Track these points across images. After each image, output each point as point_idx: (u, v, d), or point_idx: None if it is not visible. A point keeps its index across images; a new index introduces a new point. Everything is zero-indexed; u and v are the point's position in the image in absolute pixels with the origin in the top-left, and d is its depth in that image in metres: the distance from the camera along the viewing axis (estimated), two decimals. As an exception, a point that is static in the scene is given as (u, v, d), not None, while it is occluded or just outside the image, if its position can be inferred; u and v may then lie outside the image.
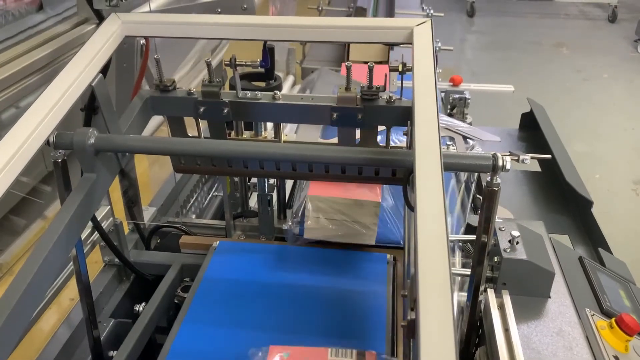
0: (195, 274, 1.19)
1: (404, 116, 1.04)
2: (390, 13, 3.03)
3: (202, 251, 1.26)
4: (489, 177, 0.82)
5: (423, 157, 0.73)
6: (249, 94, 1.09)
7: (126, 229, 1.38)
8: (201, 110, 1.08)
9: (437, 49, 2.40)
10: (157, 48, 1.58)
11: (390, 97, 1.03)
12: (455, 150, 1.45)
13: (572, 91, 4.51)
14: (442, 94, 2.08)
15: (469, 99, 1.96)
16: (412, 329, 0.78)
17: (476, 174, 1.62)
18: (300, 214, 1.23)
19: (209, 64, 1.08)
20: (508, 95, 2.04)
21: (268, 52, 1.24)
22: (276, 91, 1.08)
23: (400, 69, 1.05)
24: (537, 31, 5.94)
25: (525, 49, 5.45)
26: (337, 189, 1.21)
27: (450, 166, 0.84)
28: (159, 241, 1.48)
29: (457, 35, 5.86)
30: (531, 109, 1.96)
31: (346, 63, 1.04)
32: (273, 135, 1.24)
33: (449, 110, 1.99)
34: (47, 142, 0.88)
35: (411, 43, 1.01)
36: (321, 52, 2.54)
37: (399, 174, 1.07)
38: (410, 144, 1.02)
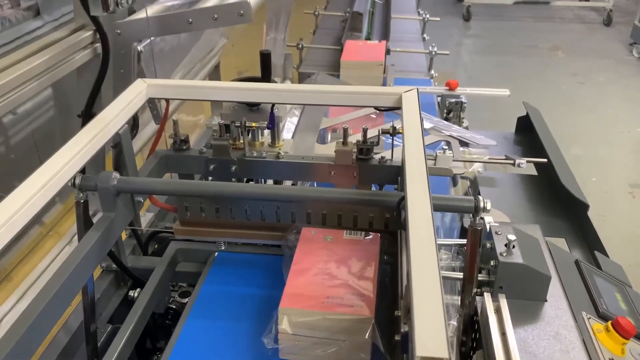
0: (192, 276, 1.21)
1: (394, 175, 1.18)
2: (386, 18, 3.04)
3: (198, 238, 1.25)
4: (472, 218, 0.89)
5: (414, 208, 0.80)
6: (255, 152, 1.23)
7: (123, 234, 1.38)
8: (211, 167, 1.22)
9: (433, 53, 2.42)
10: (154, 54, 1.58)
11: (382, 157, 1.18)
12: (452, 155, 1.46)
13: (568, 94, 4.53)
14: (439, 99, 2.08)
15: (465, 103, 1.97)
16: (405, 343, 0.79)
17: (472, 175, 1.63)
18: (273, 326, 0.98)
19: (221, 126, 1.21)
20: (504, 99, 2.05)
21: (264, 58, 1.26)
22: (280, 151, 1.23)
23: (391, 132, 1.19)
24: (533, 35, 5.97)
25: (521, 52, 5.48)
26: (319, 291, 0.97)
27: (438, 207, 0.93)
28: (156, 247, 1.47)
29: (454, 39, 5.88)
30: (527, 113, 1.97)
31: (344, 125, 1.19)
32: (270, 141, 1.27)
33: (445, 115, 2.00)
34: (73, 184, 0.96)
35: (400, 108, 1.12)
36: (318, 57, 2.55)
37: (391, 225, 1.14)
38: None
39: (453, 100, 1.97)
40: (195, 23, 1.44)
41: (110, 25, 1.47)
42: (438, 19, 3.05)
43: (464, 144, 1.69)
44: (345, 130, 1.18)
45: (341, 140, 1.19)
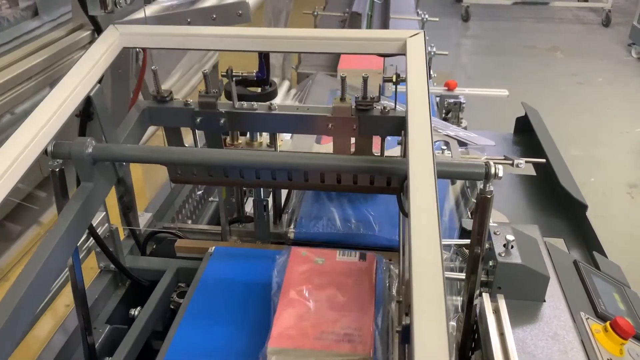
0: (191, 279, 1.19)
1: (398, 126, 1.05)
2: (385, 18, 3.04)
3: (198, 255, 1.26)
4: (482, 185, 0.82)
5: (417, 165, 0.73)
6: (245, 104, 1.10)
7: (122, 234, 1.38)
8: (198, 120, 1.10)
9: (432, 53, 2.41)
10: (152, 54, 1.58)
11: (384, 107, 1.04)
12: (450, 156, 1.46)
13: (567, 95, 4.53)
14: (437, 99, 2.08)
15: (463, 103, 1.97)
16: (406, 335, 0.78)
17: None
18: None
19: (205, 75, 1.09)
20: (503, 99, 2.05)
21: (263, 58, 1.25)
22: (272, 102, 1.10)
23: (394, 80, 1.06)
24: (532, 35, 5.98)
25: (520, 53, 5.48)
26: (311, 326, 0.90)
27: (443, 174, 0.84)
28: (154, 247, 1.47)
29: (452, 40, 5.88)
30: (525, 113, 1.97)
31: (341, 74, 1.06)
32: (268, 141, 1.25)
33: (443, 115, 1.99)
34: (45, 152, 0.88)
35: (404, 54, 1.02)
36: (317, 58, 2.55)
37: (394, 183, 1.08)
38: (404, 153, 1.03)
39: (452, 100, 1.96)
40: (193, 23, 1.44)
41: (109, 24, 1.47)
42: (437, 19, 3.04)
43: (462, 144, 1.68)
44: (342, 81, 1.05)
45: (339, 96, 1.07)
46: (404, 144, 1.07)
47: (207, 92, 1.09)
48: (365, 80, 1.02)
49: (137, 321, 1.14)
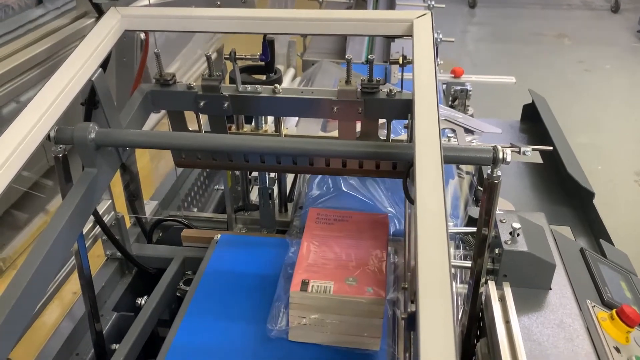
0: (197, 267, 1.19)
1: (404, 109, 1.04)
2: (391, 4, 3.01)
3: (204, 244, 1.26)
4: (490, 170, 0.81)
5: (423, 150, 0.72)
6: (249, 87, 1.09)
7: (128, 222, 1.39)
8: (201, 104, 1.09)
9: (438, 40, 2.39)
10: (157, 41, 1.57)
11: (390, 90, 1.03)
12: (457, 143, 1.45)
13: (574, 82, 4.49)
14: (444, 86, 2.07)
15: (470, 90, 1.95)
16: (412, 322, 0.78)
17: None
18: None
19: (208, 58, 1.08)
20: (509, 86, 2.03)
21: (268, 45, 1.24)
22: (276, 85, 1.08)
23: (400, 62, 1.05)
24: (539, 22, 5.91)
25: (527, 40, 5.43)
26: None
27: (450, 159, 0.83)
28: (160, 235, 1.48)
29: (459, 27, 5.83)
30: (533, 101, 1.95)
31: (347, 56, 1.04)
32: (274, 129, 1.25)
33: (450, 102, 1.98)
34: (48, 137, 0.88)
35: (411, 36, 1.01)
36: (322, 45, 2.53)
37: (400, 167, 1.07)
38: (411, 137, 1.02)
39: (458, 87, 1.95)
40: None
41: (112, 11, 1.46)
42: (443, 5, 3.01)
43: (469, 131, 1.68)
44: (348, 63, 1.04)
45: (344, 79, 1.06)
46: (410, 128, 1.06)
47: (210, 76, 1.08)
48: (371, 62, 1.01)
49: (144, 309, 1.15)
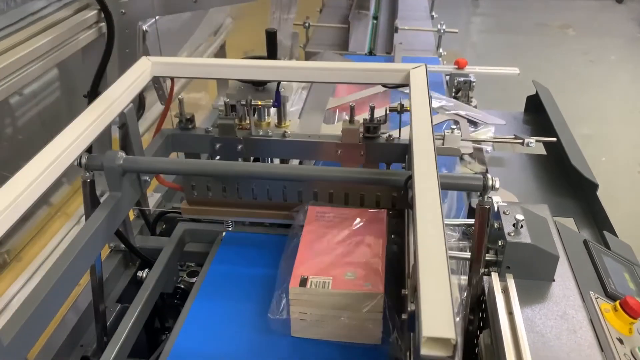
0: (199, 258, 1.20)
1: (402, 153, 1.18)
2: (392, 13, 2.98)
3: (206, 217, 1.26)
4: (480, 196, 0.87)
5: (421, 187, 0.78)
6: (261, 131, 1.22)
7: (131, 215, 1.39)
8: (217, 147, 1.20)
9: (442, 31, 2.38)
10: (159, 33, 1.57)
11: (389, 136, 1.18)
12: (460, 135, 1.45)
13: (579, 73, 4.47)
14: (447, 77, 2.06)
15: (474, 82, 1.95)
16: (412, 321, 0.79)
17: (482, 150, 1.62)
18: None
19: (226, 104, 1.20)
20: (513, 78, 2.02)
21: (270, 38, 1.25)
22: (286, 130, 1.23)
23: (398, 110, 1.18)
24: (544, 13, 5.88)
25: (531, 31, 5.40)
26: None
27: (445, 186, 0.92)
28: (164, 227, 1.48)
29: (462, 18, 5.81)
30: (536, 92, 1.94)
31: (350, 103, 1.18)
32: (276, 122, 1.26)
33: (453, 94, 1.97)
34: (79, 164, 0.96)
35: (408, 85, 1.09)
36: (324, 36, 2.52)
37: (398, 204, 1.12)
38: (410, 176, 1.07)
39: (462, 79, 1.94)
40: (200, 2, 1.43)
41: (115, 4, 1.46)
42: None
43: (472, 123, 1.67)
44: (351, 109, 1.17)
45: (348, 119, 1.18)
46: (408, 162, 1.14)
47: (226, 115, 1.20)
48: (372, 108, 1.15)
49: (146, 282, 1.15)
